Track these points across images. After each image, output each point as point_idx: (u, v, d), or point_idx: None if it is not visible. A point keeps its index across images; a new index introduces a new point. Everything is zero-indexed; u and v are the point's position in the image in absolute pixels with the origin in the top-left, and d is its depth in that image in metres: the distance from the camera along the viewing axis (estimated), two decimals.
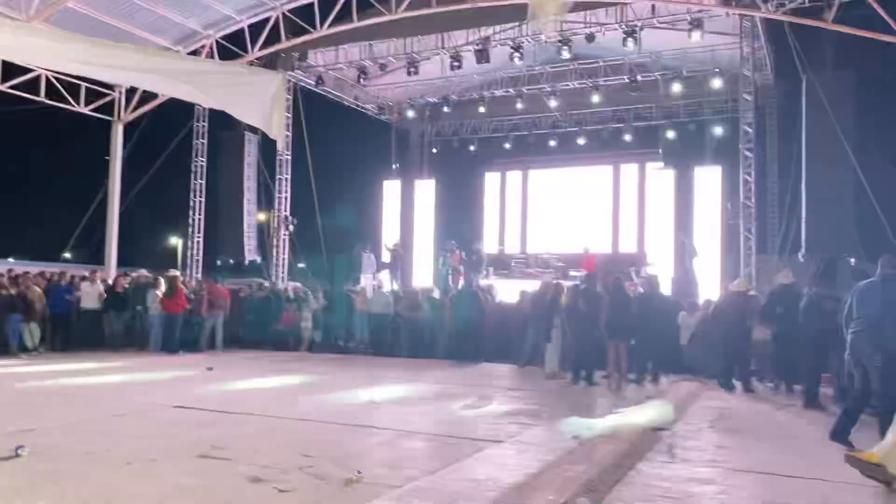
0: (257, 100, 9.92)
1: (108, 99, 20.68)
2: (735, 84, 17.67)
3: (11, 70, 18.00)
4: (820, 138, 15.96)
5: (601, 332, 11.27)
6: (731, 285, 11.71)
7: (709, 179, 21.48)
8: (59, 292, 14.97)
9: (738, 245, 16.27)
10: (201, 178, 22.47)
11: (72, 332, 15.08)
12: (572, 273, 17.75)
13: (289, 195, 22.24)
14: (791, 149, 17.08)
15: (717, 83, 19.56)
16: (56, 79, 19.00)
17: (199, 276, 21.14)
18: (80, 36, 12.77)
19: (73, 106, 19.92)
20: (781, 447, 7.02)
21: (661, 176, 24.05)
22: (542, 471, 5.63)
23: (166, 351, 14.90)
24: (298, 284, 19.92)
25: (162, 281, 15.74)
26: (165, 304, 15.16)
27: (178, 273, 16.70)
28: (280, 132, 10.35)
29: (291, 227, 22.02)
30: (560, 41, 17.34)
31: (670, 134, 23.25)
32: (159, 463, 5.58)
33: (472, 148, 26.10)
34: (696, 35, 16.26)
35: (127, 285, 15.89)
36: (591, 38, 17.25)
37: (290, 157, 22.18)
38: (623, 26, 16.64)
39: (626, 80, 20.61)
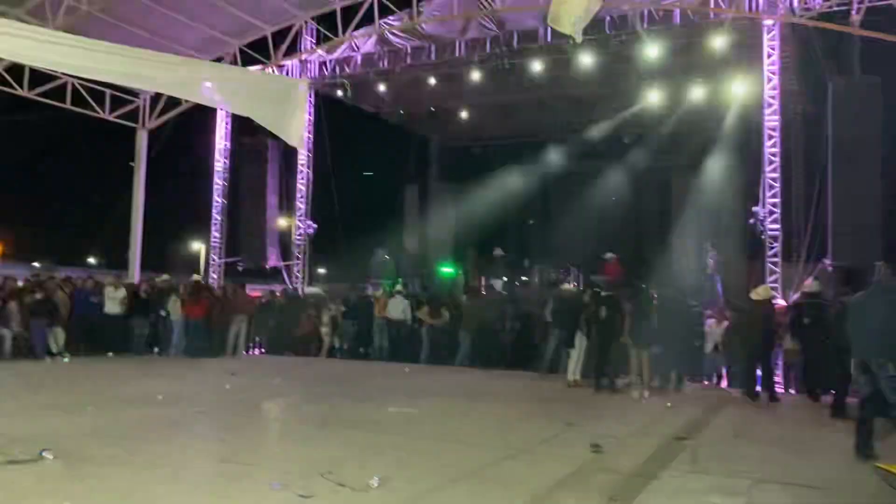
0: (279, 107, 9.96)
1: (132, 106, 20.93)
2: (758, 87, 17.50)
3: (38, 77, 18.28)
4: (846, 143, 15.73)
5: (624, 339, 11.17)
6: (753, 293, 11.53)
7: (732, 184, 21.23)
8: (85, 296, 15.11)
9: (763, 252, 16.05)
10: (223, 184, 22.64)
11: (96, 336, 15.21)
12: (595, 279, 17.60)
13: (310, 201, 22.32)
14: (817, 154, 16.85)
15: (740, 87, 19.37)
16: (82, 86, 19.26)
17: (222, 281, 21.28)
18: (103, 43, 12.93)
19: (99, 113, 20.17)
20: (807, 458, 6.89)
21: (683, 180, 23.87)
22: (563, 480, 5.57)
23: (188, 355, 14.99)
24: (318, 290, 19.97)
25: (184, 286, 15.85)
26: (189, 309, 15.25)
27: (200, 278, 16.81)
28: (300, 139, 10.35)
29: (312, 232, 22.10)
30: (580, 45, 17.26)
31: (692, 139, 23.03)
32: (181, 467, 5.60)
33: (491, 152, 26.08)
34: (719, 40, 16.14)
35: (150, 290, 15.99)
36: (613, 44, 17.16)
37: (311, 163, 22.28)
38: (644, 32, 16.56)
39: (647, 85, 20.45)
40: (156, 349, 15.85)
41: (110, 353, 14.79)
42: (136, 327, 15.62)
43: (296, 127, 10.05)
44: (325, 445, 6.65)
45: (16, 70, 17.77)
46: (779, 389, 12.14)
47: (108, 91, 20.06)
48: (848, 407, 9.34)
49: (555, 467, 6.01)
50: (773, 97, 16.17)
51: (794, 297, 15.25)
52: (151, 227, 22.08)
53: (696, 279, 18.71)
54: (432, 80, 19.72)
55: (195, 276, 17.70)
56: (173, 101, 20.24)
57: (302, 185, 22.16)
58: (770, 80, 16.21)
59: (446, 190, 27.25)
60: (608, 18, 16.51)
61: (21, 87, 18.20)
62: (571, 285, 17.84)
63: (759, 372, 11.19)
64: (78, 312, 14.90)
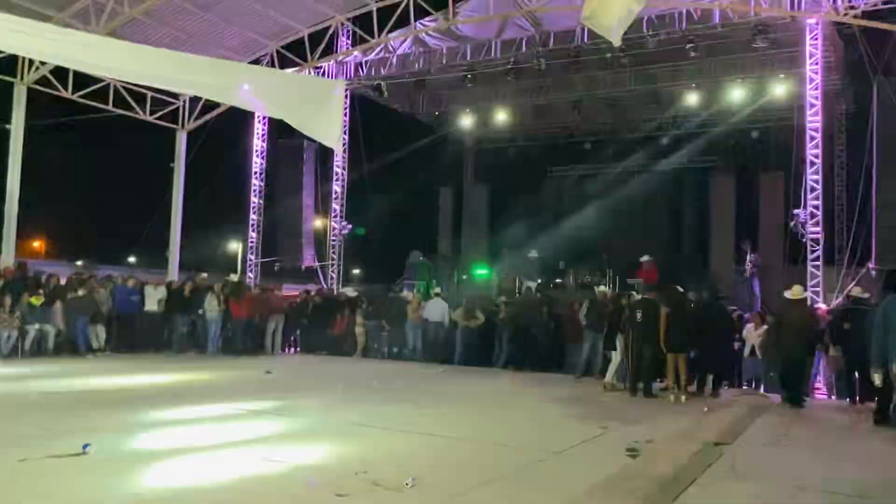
0: (315, 108, 10.01)
1: (172, 108, 21.30)
2: (800, 88, 17.18)
3: (82, 80, 18.69)
4: (891, 144, 15.37)
5: (659, 345, 11.02)
6: (786, 293, 11.26)
7: (773, 186, 20.92)
8: (126, 294, 15.39)
9: (804, 255, 15.74)
10: (260, 185, 22.92)
11: (136, 333, 15.49)
12: (631, 282, 17.43)
13: (345, 202, 22.49)
14: (861, 154, 16.47)
15: (780, 87, 19.06)
16: (124, 88, 19.65)
17: (259, 280, 21.54)
18: (145, 47, 13.18)
19: (139, 114, 20.56)
20: (849, 465, 6.73)
21: (722, 183, 23.57)
22: (598, 483, 5.51)
23: (226, 353, 15.19)
24: (352, 290, 20.08)
25: (222, 285, 16.06)
26: (232, 307, 15.43)
27: (240, 277, 17.01)
28: (338, 141, 10.39)
29: (346, 233, 22.27)
30: (619, 48, 17.14)
31: (732, 141, 22.73)
32: (220, 463, 5.67)
33: (527, 155, 25.97)
34: (760, 40, 15.89)
35: (189, 289, 16.23)
36: (651, 45, 16.97)
37: (346, 165, 22.44)
38: (684, 33, 16.38)
39: (687, 87, 20.23)
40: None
41: (150, 350, 15.07)
42: (178, 325, 15.89)
43: (332, 128, 10.08)
44: (360, 445, 6.68)
45: (60, 73, 18.19)
46: (822, 396, 11.91)
47: (148, 93, 20.45)
48: (892, 414, 9.12)
49: (590, 471, 5.96)
50: (815, 98, 15.84)
51: (836, 301, 14.94)
52: (190, 227, 22.44)
53: (734, 282, 18.45)
54: (467, 82, 19.69)
55: (232, 276, 17.92)
56: (212, 103, 20.54)
57: (337, 187, 22.33)
58: (812, 80, 15.90)
59: (481, 191, 27.25)
60: (646, 18, 16.35)
61: (66, 89, 18.63)
62: (606, 288, 17.71)
63: (797, 377, 10.95)
64: (119, 310, 15.19)
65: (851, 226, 17.45)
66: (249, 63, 19.49)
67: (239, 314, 15.48)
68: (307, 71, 19.72)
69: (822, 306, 13.96)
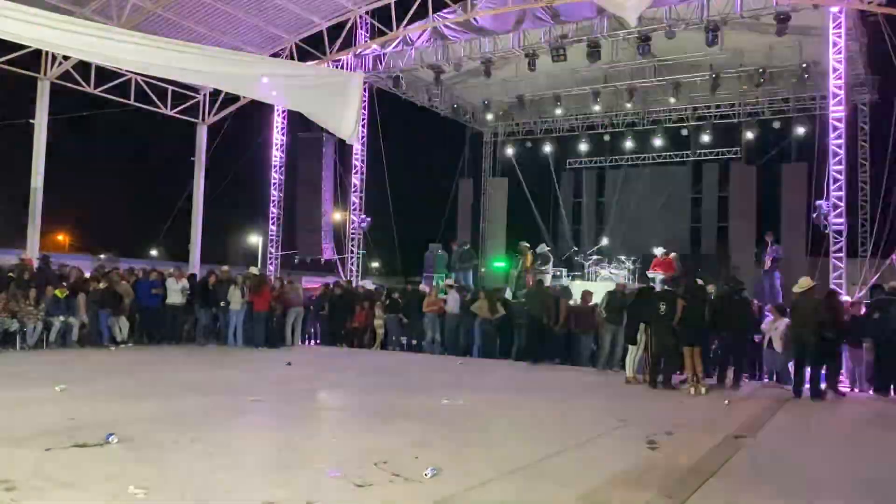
0: (334, 100, 10.04)
1: (192, 101, 21.46)
2: (823, 80, 16.94)
3: (104, 75, 18.88)
4: None
5: (678, 336, 10.97)
6: (795, 287, 11.12)
7: (796, 178, 20.69)
8: (147, 287, 15.52)
9: (826, 247, 15.56)
10: (280, 178, 23.05)
11: (158, 325, 15.64)
12: (650, 274, 17.35)
13: (364, 195, 22.54)
14: (884, 145, 16.25)
15: (803, 78, 18.81)
16: (145, 82, 19.82)
17: (279, 273, 21.67)
18: (165, 40, 13.27)
19: (160, 108, 20.74)
20: (870, 460, 6.67)
21: (744, 175, 23.36)
22: (617, 475, 5.51)
23: (248, 346, 15.31)
24: (371, 283, 20.14)
25: (244, 277, 16.16)
26: (254, 300, 15.54)
27: (261, 270, 17.08)
28: (355, 132, 10.40)
29: (366, 226, 22.32)
30: (639, 38, 17.01)
31: (753, 132, 22.49)
32: (240, 453, 5.73)
33: (546, 148, 25.88)
34: (782, 30, 15.70)
35: (212, 282, 16.34)
36: (671, 34, 16.81)
37: (365, 158, 22.48)
38: (705, 22, 16.19)
39: (708, 77, 20.01)
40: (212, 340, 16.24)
41: (172, 343, 15.24)
42: (200, 318, 16.03)
43: (350, 121, 10.10)
44: (380, 436, 6.72)
45: (83, 67, 18.39)
46: (845, 388, 11.78)
47: (169, 87, 20.62)
48: None
49: (609, 463, 5.96)
50: (838, 88, 15.62)
51: (860, 294, 14.79)
52: (211, 220, 22.63)
53: (755, 274, 18.29)
54: (486, 74, 19.62)
55: (252, 269, 18.04)
56: (232, 97, 20.69)
57: (356, 180, 22.38)
58: (835, 70, 15.68)
59: (500, 184, 27.20)
60: (668, 8, 16.21)
61: (88, 84, 18.82)
62: (625, 280, 17.63)
63: (817, 369, 10.80)
64: (141, 303, 15.33)
65: (875, 217, 17.24)
66: (269, 56, 19.59)
67: (260, 307, 15.58)
68: (326, 65, 19.76)
69: (846, 298, 13.79)
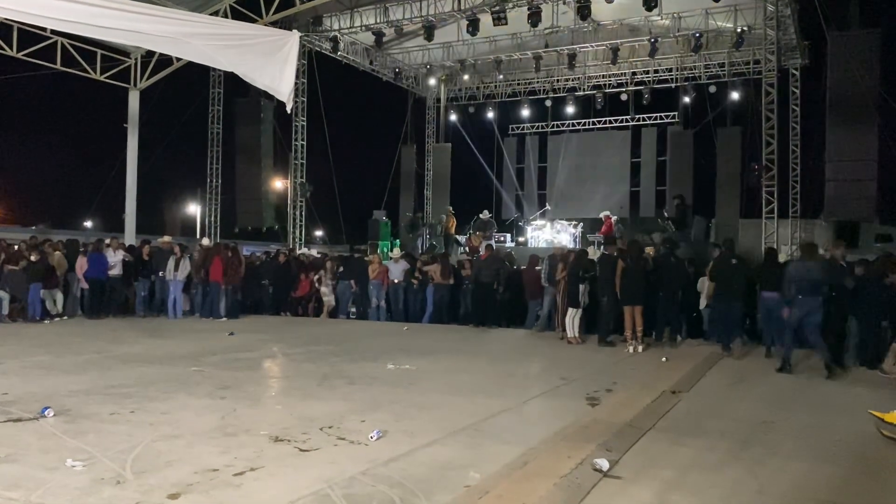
0: (269, 59, 9.71)
1: (123, 66, 20.66)
2: (757, 45, 17.33)
3: (28, 37, 17.98)
4: (844, 98, 15.65)
5: (617, 296, 11.25)
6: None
7: (730, 142, 21.21)
8: (97, 259, 14.95)
9: (758, 208, 16.08)
10: (218, 146, 22.50)
11: (95, 297, 15.16)
12: (591, 237, 17.66)
13: (305, 161, 22.21)
14: (814, 110, 16.78)
15: (739, 43, 19.18)
16: (72, 45, 18.96)
17: (216, 242, 21.26)
18: None
19: (90, 73, 19.90)
20: (798, 410, 6.99)
21: (680, 139, 23.82)
22: (559, 431, 5.65)
23: (186, 317, 15.04)
24: (315, 251, 19.94)
25: (181, 247, 15.80)
26: (211, 271, 15.20)
27: (210, 242, 16.70)
28: (289, 95, 10.10)
29: (308, 194, 22.04)
30: (579, 2, 17.06)
31: (690, 97, 22.92)
32: (182, 423, 5.66)
33: (489, 113, 25.89)
34: None
35: (147, 252, 15.94)
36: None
37: (305, 124, 22.11)
38: None
39: (646, 42, 20.22)
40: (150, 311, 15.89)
41: (110, 315, 14.86)
42: (138, 289, 15.65)
43: (285, 82, 9.79)
44: (325, 401, 6.72)
45: (4, 29, 17.48)
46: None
47: (98, 51, 19.79)
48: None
49: (551, 420, 6.11)
50: (770, 53, 16.02)
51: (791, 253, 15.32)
52: (147, 191, 22.01)
53: (692, 235, 18.79)
54: (426, 37, 19.42)
55: (205, 240, 17.68)
56: (165, 61, 19.98)
57: (297, 146, 22.03)
58: (768, 36, 16.04)
59: (443, 150, 27.12)
60: None
61: (10, 48, 17.92)
62: (564, 244, 17.89)
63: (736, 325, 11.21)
64: (90, 274, 14.76)
65: (805, 180, 17.83)
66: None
67: (215, 277, 15.28)
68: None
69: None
